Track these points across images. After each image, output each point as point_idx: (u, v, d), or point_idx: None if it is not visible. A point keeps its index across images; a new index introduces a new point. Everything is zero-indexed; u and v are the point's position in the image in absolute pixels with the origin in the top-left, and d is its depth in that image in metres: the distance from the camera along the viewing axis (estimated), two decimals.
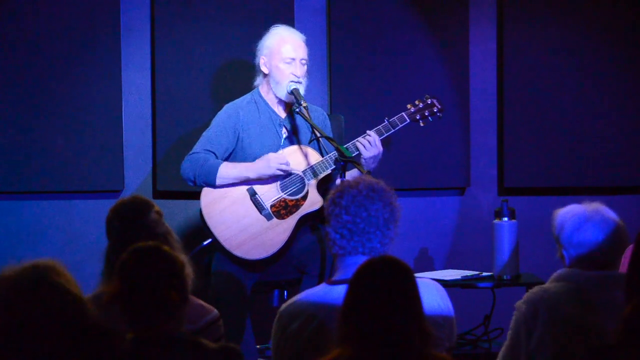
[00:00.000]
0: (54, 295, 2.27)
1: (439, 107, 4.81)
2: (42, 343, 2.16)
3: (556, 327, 3.12)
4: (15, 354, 2.17)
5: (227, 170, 4.57)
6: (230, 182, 4.58)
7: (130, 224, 3.23)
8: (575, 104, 5.60)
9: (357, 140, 4.60)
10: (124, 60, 5.38)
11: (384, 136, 4.66)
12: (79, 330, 2.22)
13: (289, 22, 5.37)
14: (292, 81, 4.63)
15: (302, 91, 4.63)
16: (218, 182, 4.57)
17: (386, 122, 4.69)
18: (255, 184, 4.58)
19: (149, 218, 3.26)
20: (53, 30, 5.28)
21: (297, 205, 4.59)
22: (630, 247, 4.31)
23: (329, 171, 4.60)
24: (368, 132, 4.61)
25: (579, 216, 3.21)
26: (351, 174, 4.48)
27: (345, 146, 4.55)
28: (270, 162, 4.53)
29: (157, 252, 2.64)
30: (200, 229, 4.67)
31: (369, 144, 4.57)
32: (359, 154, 4.58)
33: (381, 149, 4.60)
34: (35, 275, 2.29)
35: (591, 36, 5.59)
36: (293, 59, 4.65)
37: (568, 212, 3.24)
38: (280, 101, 4.71)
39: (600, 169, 5.60)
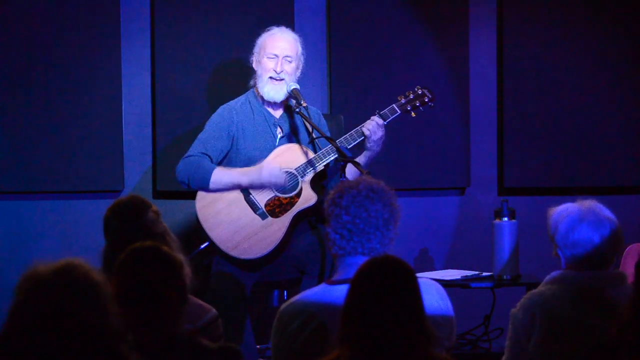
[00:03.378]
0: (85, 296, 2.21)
1: (430, 96, 4.79)
2: (47, 348, 2.13)
3: (554, 330, 3.12)
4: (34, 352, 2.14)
5: (221, 176, 4.56)
6: (223, 187, 4.57)
7: (128, 223, 3.23)
8: (575, 103, 5.60)
9: (362, 126, 4.60)
10: (124, 60, 5.38)
11: None
12: (90, 345, 2.18)
13: (289, 22, 5.38)
14: (271, 77, 4.63)
15: (285, 89, 4.62)
16: (211, 186, 4.57)
17: (377, 114, 4.68)
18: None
19: (146, 218, 3.26)
20: (53, 30, 5.28)
21: (291, 202, 4.59)
22: (630, 247, 4.32)
23: (324, 164, 4.59)
24: (372, 117, 4.62)
25: (573, 216, 3.20)
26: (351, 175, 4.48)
27: (350, 133, 4.56)
28: (262, 172, 4.53)
29: (156, 252, 2.64)
30: (199, 231, 4.67)
31: (375, 128, 4.58)
32: (363, 140, 4.58)
33: (383, 132, 4.60)
34: (71, 275, 2.21)
35: (591, 36, 5.59)
36: (276, 55, 4.66)
37: (562, 212, 3.23)
38: (275, 102, 4.71)
39: (600, 169, 5.60)
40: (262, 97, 4.70)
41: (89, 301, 2.15)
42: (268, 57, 4.66)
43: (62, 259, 2.20)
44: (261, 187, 4.56)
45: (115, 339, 2.15)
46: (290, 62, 4.67)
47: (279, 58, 4.66)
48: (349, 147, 4.56)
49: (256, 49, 4.73)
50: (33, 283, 2.15)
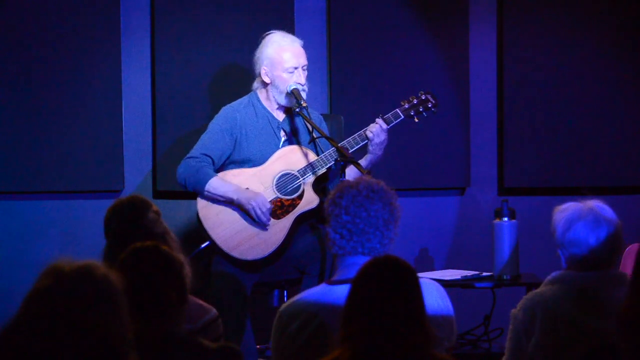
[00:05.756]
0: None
1: (433, 102, 4.80)
2: (57, 341, 2.13)
3: (554, 330, 3.12)
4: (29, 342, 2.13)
5: (216, 186, 4.56)
6: (216, 197, 4.57)
7: (129, 223, 3.23)
8: (576, 103, 5.60)
9: (366, 129, 4.60)
10: (124, 60, 5.38)
11: None
12: (96, 345, 2.17)
13: (289, 22, 5.38)
14: (296, 88, 4.62)
15: (304, 96, 4.62)
16: (206, 194, 4.57)
17: (380, 119, 4.69)
18: (249, 185, 4.58)
19: (147, 218, 3.26)
20: (53, 30, 5.28)
21: (293, 204, 4.59)
22: (630, 247, 4.33)
23: (326, 167, 4.60)
24: (377, 120, 4.62)
25: (571, 215, 3.20)
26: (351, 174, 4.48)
27: (354, 136, 4.57)
28: (252, 201, 4.52)
29: (156, 252, 2.64)
30: (200, 231, 4.66)
31: (378, 131, 4.58)
32: (366, 144, 4.58)
33: (387, 135, 4.60)
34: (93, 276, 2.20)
35: (591, 36, 5.59)
36: (296, 68, 4.64)
37: (563, 211, 3.23)
38: (280, 106, 4.71)
39: (600, 169, 5.60)
40: (274, 101, 4.68)
41: (104, 301, 2.15)
42: (289, 72, 4.63)
43: (83, 260, 2.20)
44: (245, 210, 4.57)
45: (121, 343, 2.15)
46: (305, 70, 4.67)
47: (298, 69, 4.65)
48: (351, 150, 4.56)
49: (267, 62, 4.65)
50: (54, 275, 2.15)
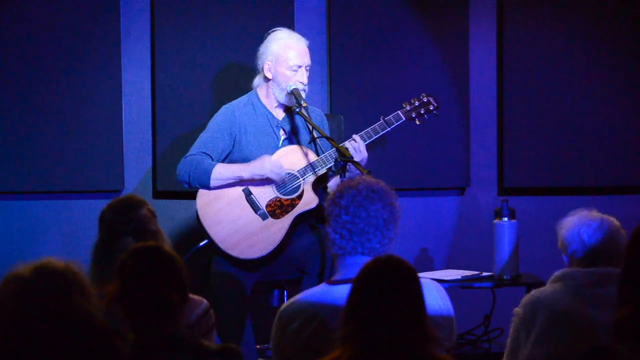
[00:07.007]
0: (62, 298, 2.22)
1: (435, 104, 4.81)
2: (44, 343, 2.14)
3: (555, 326, 3.14)
4: (16, 353, 2.14)
5: (221, 171, 4.57)
6: (225, 182, 4.57)
7: (121, 216, 3.29)
8: (576, 103, 5.60)
9: (343, 145, 4.59)
10: (124, 60, 5.38)
11: (379, 135, 4.68)
12: (83, 333, 2.19)
13: (289, 21, 5.38)
14: (296, 88, 4.62)
15: (303, 95, 4.62)
16: (212, 183, 4.57)
17: (382, 120, 4.69)
18: (250, 184, 4.58)
19: (140, 213, 3.31)
20: (53, 30, 5.29)
21: (292, 204, 4.59)
22: None
23: (327, 168, 4.60)
24: (354, 136, 4.61)
25: (573, 217, 3.29)
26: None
27: (329, 152, 4.57)
28: (264, 163, 4.53)
29: (158, 252, 2.64)
30: (199, 229, 4.67)
31: (354, 150, 4.56)
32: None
33: (366, 154, 4.60)
34: (49, 275, 2.23)
35: (591, 36, 5.59)
36: (299, 66, 4.64)
37: (567, 216, 3.31)
38: (279, 104, 4.71)
39: (600, 169, 5.60)
40: (274, 99, 4.68)
41: (73, 291, 2.15)
42: (292, 70, 4.63)
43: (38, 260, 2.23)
44: (262, 179, 4.55)
45: (104, 326, 2.16)
46: (307, 70, 4.67)
47: (302, 68, 4.64)
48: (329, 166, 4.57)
49: (271, 57, 4.65)
50: (14, 283, 2.17)
